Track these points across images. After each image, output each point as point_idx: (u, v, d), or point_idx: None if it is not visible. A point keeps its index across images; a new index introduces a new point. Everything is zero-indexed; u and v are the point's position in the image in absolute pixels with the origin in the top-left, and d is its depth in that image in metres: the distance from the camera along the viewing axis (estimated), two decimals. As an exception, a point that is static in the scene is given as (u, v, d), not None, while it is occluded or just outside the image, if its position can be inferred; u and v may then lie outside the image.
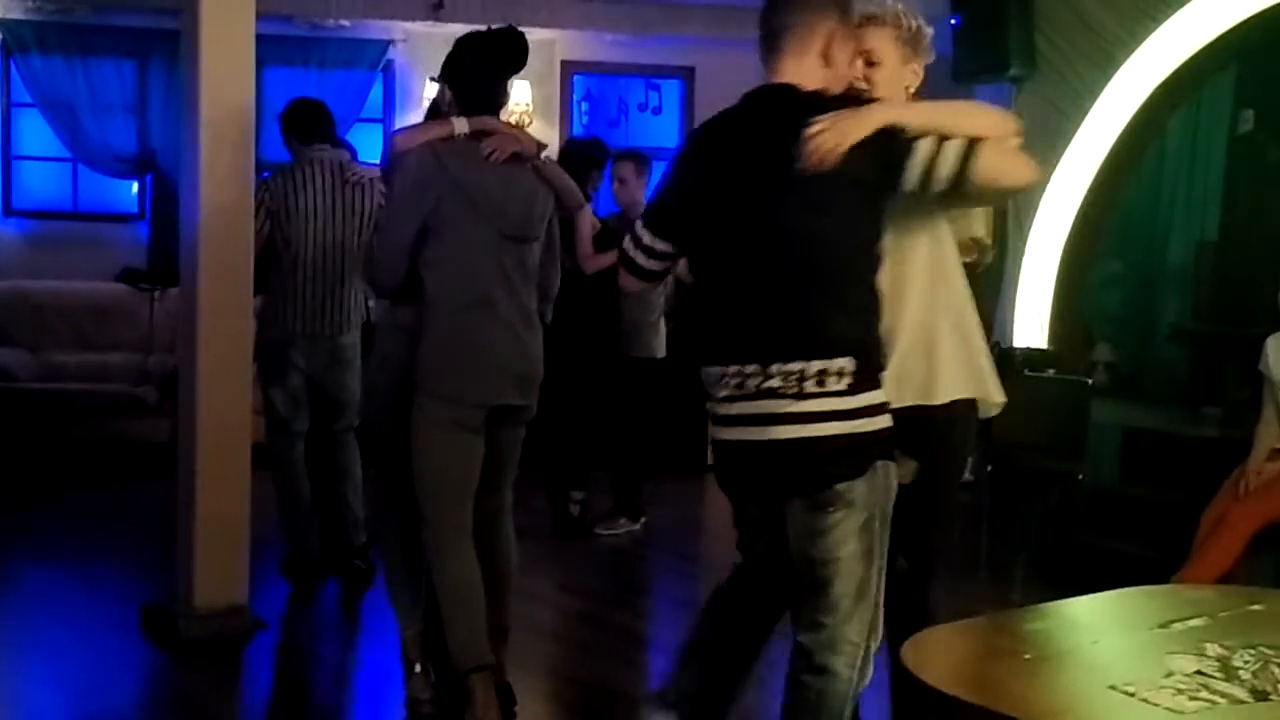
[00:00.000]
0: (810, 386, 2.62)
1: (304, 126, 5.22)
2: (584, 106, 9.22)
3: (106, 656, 4.42)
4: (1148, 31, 6.52)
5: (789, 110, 2.68)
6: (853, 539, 2.67)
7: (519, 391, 3.67)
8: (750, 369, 2.68)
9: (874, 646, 2.75)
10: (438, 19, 8.29)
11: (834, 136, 2.59)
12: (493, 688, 3.65)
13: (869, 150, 2.60)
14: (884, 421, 2.69)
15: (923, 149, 2.60)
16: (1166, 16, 6.44)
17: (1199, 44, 6.46)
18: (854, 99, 2.77)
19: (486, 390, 3.60)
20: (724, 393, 2.73)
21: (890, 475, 2.71)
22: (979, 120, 2.71)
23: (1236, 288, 6.47)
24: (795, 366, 2.63)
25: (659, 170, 8.27)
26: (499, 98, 3.75)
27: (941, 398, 2.94)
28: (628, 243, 2.95)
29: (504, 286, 3.61)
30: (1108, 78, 6.70)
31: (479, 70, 3.69)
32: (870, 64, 2.98)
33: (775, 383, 2.65)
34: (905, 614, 2.90)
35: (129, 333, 7.97)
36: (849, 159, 2.59)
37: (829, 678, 2.69)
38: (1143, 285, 7.63)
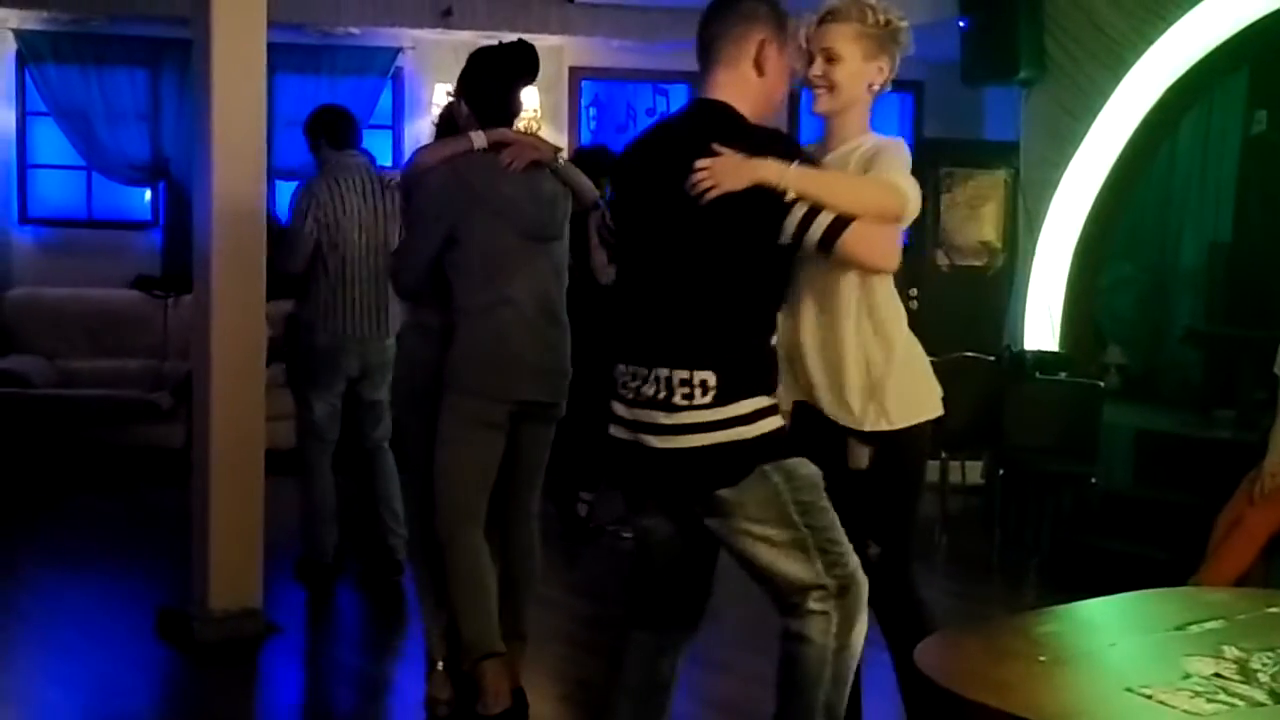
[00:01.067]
0: (678, 399, 2.71)
1: (334, 132, 5.24)
2: (592, 112, 9.24)
3: (122, 659, 4.43)
4: (1158, 32, 6.51)
5: (703, 133, 2.72)
6: (768, 533, 2.74)
7: (544, 388, 3.77)
8: (636, 370, 2.77)
9: (857, 620, 2.77)
10: (447, 26, 8.32)
11: (712, 178, 2.64)
12: (504, 675, 3.72)
13: (743, 201, 2.65)
14: (767, 425, 2.73)
15: (795, 215, 2.66)
16: (1177, 17, 6.43)
17: (1210, 44, 6.44)
18: (771, 136, 2.77)
19: (511, 387, 3.70)
20: (621, 394, 2.83)
21: (793, 469, 2.74)
22: (859, 199, 2.72)
23: (1250, 289, 6.46)
24: (663, 372, 2.72)
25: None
26: (513, 108, 3.88)
27: (899, 423, 2.96)
28: (601, 226, 3.10)
29: (529, 287, 3.73)
30: (1118, 79, 6.69)
31: (493, 83, 3.82)
32: (830, 60, 2.94)
33: (650, 389, 2.74)
34: (889, 600, 2.98)
35: (143, 339, 8.00)
36: (724, 203, 2.64)
37: (801, 643, 2.76)
38: (1155, 287, 7.61)
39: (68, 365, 7.84)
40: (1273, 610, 2.70)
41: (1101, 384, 6.21)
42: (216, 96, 4.43)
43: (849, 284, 2.92)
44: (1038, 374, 6.41)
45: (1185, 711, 2.05)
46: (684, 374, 2.71)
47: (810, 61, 2.96)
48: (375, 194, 5.14)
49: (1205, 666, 2.23)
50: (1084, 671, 2.41)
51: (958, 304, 7.00)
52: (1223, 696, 2.10)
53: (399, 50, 8.69)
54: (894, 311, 2.99)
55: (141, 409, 7.46)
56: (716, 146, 2.65)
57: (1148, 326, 7.56)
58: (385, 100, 8.72)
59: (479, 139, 3.73)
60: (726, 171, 2.64)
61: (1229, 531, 4.71)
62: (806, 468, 2.77)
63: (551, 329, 3.79)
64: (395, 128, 8.80)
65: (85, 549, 5.90)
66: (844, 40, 2.95)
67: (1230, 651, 2.30)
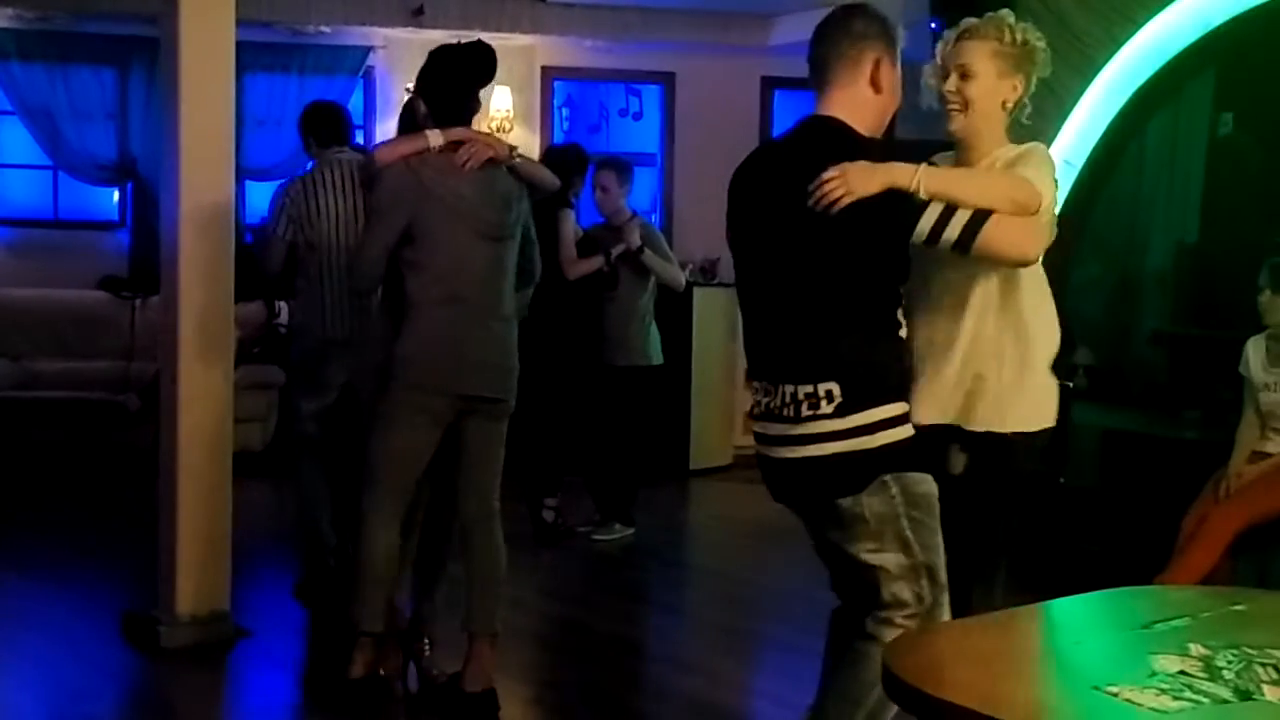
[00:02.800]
0: (804, 410, 2.75)
1: (321, 128, 5.15)
2: (564, 112, 9.22)
3: (88, 664, 4.39)
4: (1127, 35, 6.55)
5: (818, 146, 2.76)
6: (883, 547, 2.79)
7: (489, 383, 3.87)
8: (766, 387, 2.85)
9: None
10: (418, 25, 8.29)
11: (842, 187, 2.66)
12: (374, 655, 3.95)
13: (874, 207, 2.67)
14: (890, 436, 2.77)
15: (929, 217, 2.69)
16: (1145, 20, 6.47)
17: (1179, 47, 6.49)
18: (886, 146, 2.83)
19: (455, 381, 3.81)
20: (753, 410, 2.91)
21: (912, 485, 2.79)
22: (992, 193, 2.75)
23: (1216, 290, 6.50)
24: (789, 387, 2.77)
25: (640, 177, 8.31)
26: (472, 107, 3.96)
27: (1009, 427, 2.96)
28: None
29: (480, 284, 3.83)
30: (1088, 81, 6.73)
31: (452, 83, 3.91)
32: (964, 77, 2.95)
33: (777, 403, 2.80)
34: (963, 607, 2.97)
35: (110, 340, 7.94)
36: (853, 211, 2.66)
37: (873, 643, 2.80)
38: (1122, 288, 7.65)
39: (33, 367, 7.77)
40: (1238, 608, 2.71)
41: (1070, 384, 6.22)
42: (184, 95, 4.40)
43: (989, 281, 2.91)
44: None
45: (1152, 709, 2.05)
46: (808, 388, 2.75)
47: (945, 77, 2.98)
48: (356, 191, 4.94)
49: (1171, 664, 2.23)
50: (1051, 670, 2.42)
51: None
52: (1188, 694, 2.11)
53: (370, 49, 8.65)
54: (1039, 314, 3.01)
55: (108, 411, 7.40)
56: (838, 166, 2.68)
57: (1115, 327, 7.60)
58: (357, 99, 8.68)
59: (436, 138, 3.81)
60: (858, 178, 2.67)
61: (1195, 530, 4.75)
62: (925, 485, 2.81)
63: (498, 325, 3.89)
64: (366, 127, 8.76)
65: (50, 553, 5.84)
66: (980, 57, 2.96)
67: (1196, 649, 2.30)
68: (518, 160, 3.97)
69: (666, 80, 9.16)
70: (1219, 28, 6.30)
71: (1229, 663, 2.24)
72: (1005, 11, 3.04)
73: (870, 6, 2.92)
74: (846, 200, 2.66)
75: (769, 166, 2.90)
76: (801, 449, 2.78)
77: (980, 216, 2.69)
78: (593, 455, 6.38)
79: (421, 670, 4.19)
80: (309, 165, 5.26)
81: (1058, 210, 2.96)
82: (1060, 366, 7.21)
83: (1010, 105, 3.00)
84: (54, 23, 8.11)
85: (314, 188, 4.96)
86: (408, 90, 4.24)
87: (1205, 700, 2.10)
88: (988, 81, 2.96)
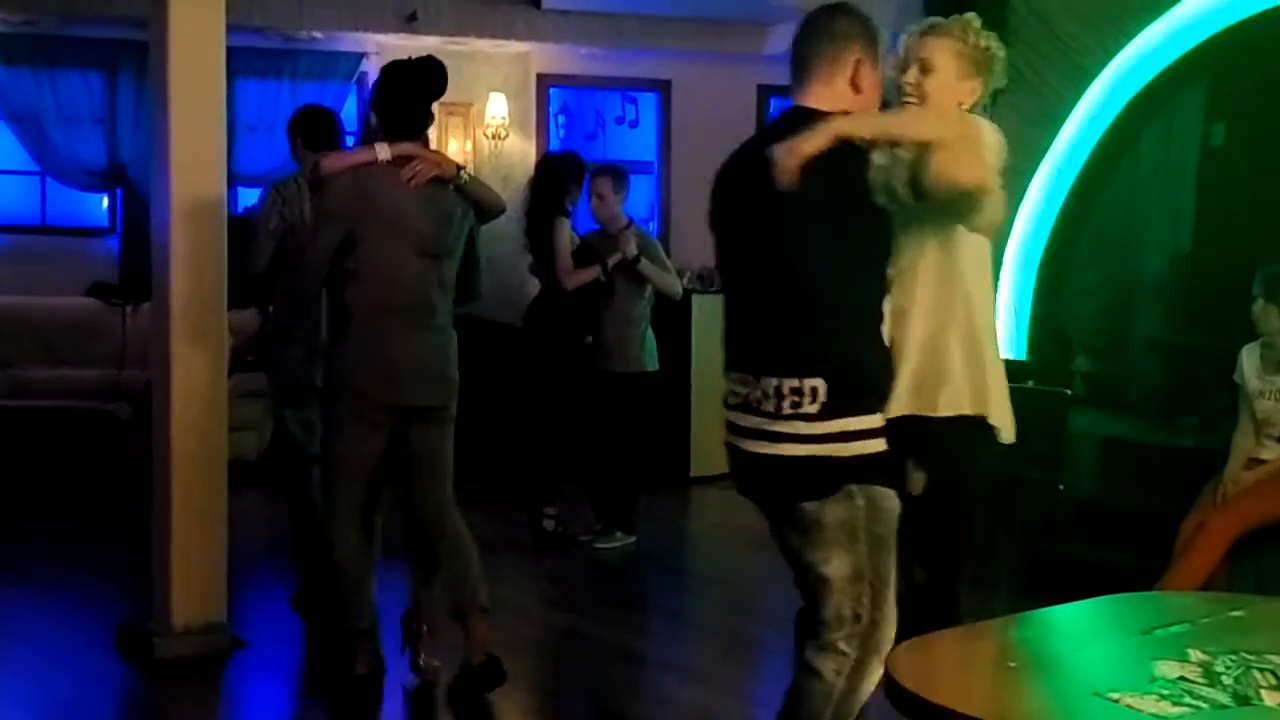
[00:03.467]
0: (786, 407, 2.72)
1: (311, 133, 5.05)
2: (560, 120, 9.22)
3: (82, 676, 4.36)
4: (1119, 45, 6.56)
5: (787, 130, 2.74)
6: (834, 557, 2.75)
7: (428, 392, 3.98)
8: (746, 378, 2.81)
9: (872, 665, 2.76)
10: (411, 31, 8.27)
11: (791, 151, 2.65)
12: (366, 649, 4.12)
13: (827, 165, 2.65)
14: (865, 447, 2.74)
15: (876, 161, 2.67)
16: (1138, 30, 6.49)
17: (1171, 58, 6.51)
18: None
19: (393, 391, 3.93)
20: (729, 400, 2.87)
21: (878, 499, 2.76)
22: (927, 122, 2.74)
23: (1210, 299, 6.51)
24: (773, 381, 2.74)
25: (637, 184, 8.30)
26: (423, 122, 4.07)
27: (942, 410, 2.90)
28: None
29: (418, 297, 3.94)
30: (1080, 91, 6.74)
31: (402, 97, 4.02)
32: (925, 71, 2.95)
33: (758, 395, 2.76)
34: (931, 626, 2.88)
35: (101, 348, 7.91)
36: (810, 176, 2.64)
37: (813, 677, 2.78)
38: (1118, 297, 7.66)
39: (22, 375, 7.73)
40: (1237, 614, 2.72)
41: (1069, 392, 6.23)
42: (174, 101, 4.38)
43: (935, 272, 2.88)
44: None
45: (1152, 715, 2.05)
46: (794, 382, 2.72)
47: (906, 70, 2.97)
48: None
49: (1171, 670, 2.23)
50: (1052, 676, 2.42)
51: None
52: (1188, 699, 2.11)
53: (363, 55, 8.64)
54: (986, 308, 2.97)
55: (100, 420, 7.37)
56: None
57: (1113, 335, 7.61)
58: (350, 106, 8.68)
59: (383, 151, 3.91)
60: (802, 140, 2.65)
61: (1194, 536, 4.75)
62: (890, 501, 2.78)
63: (432, 336, 3.98)
64: (359, 134, 8.75)
65: (42, 564, 5.80)
66: (942, 53, 2.96)
67: (1196, 655, 2.30)
68: (464, 180, 4.05)
69: (663, 88, 9.16)
70: (1211, 38, 6.32)
71: (1228, 668, 2.25)
72: (971, 15, 3.03)
73: (853, 7, 2.91)
74: (794, 164, 2.63)
75: (752, 158, 2.87)
76: (775, 446, 2.75)
77: (922, 151, 2.65)
78: (592, 463, 6.36)
79: (416, 661, 4.31)
80: (295, 169, 5.24)
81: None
82: (1059, 374, 7.24)
83: (965, 108, 2.98)
84: (41, 26, 8.07)
85: (308, 191, 4.88)
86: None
87: (1205, 705, 2.10)
88: (947, 78, 2.96)
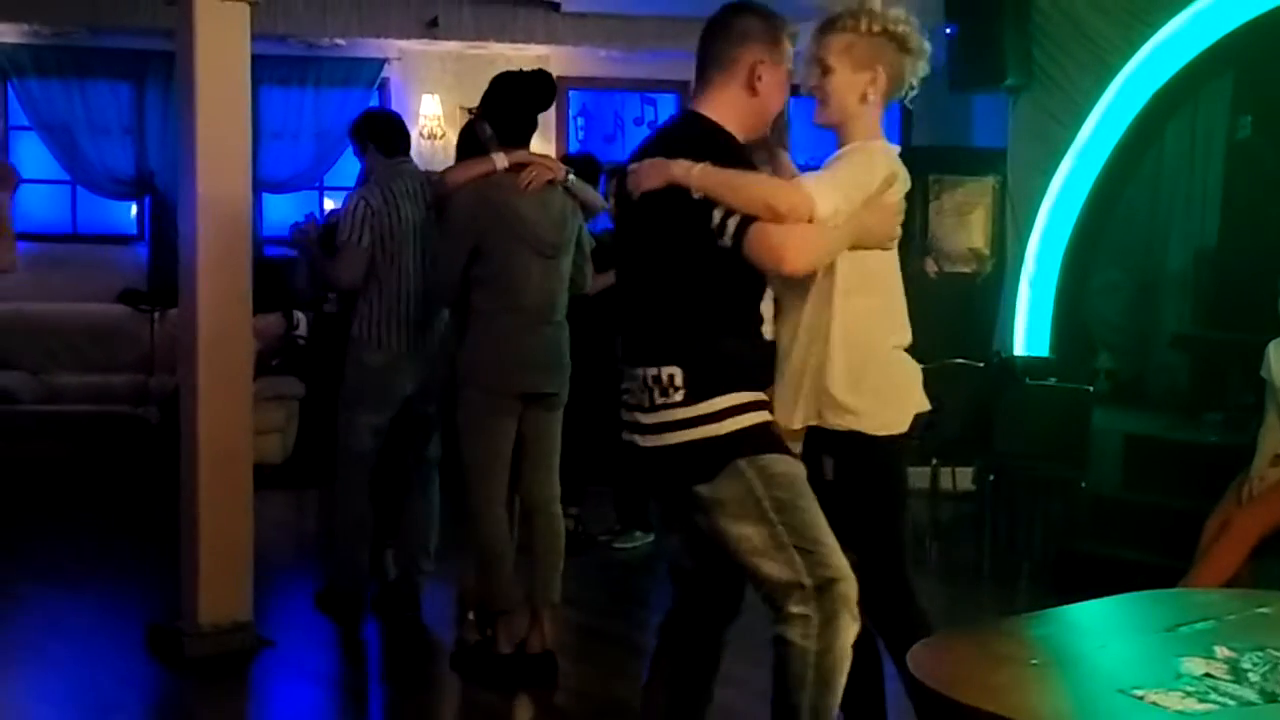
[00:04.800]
0: (656, 397, 2.77)
1: (387, 138, 5.02)
2: (579, 122, 9.25)
3: (112, 675, 4.41)
4: (1144, 39, 6.54)
5: (675, 140, 2.83)
6: (745, 531, 2.76)
7: (547, 380, 4.25)
8: (628, 372, 2.88)
9: (842, 620, 2.76)
10: (433, 37, 8.32)
11: (634, 178, 2.79)
12: (512, 628, 4.30)
13: (664, 200, 2.74)
14: (742, 421, 2.77)
15: (715, 215, 2.72)
16: (1162, 23, 6.46)
17: (1196, 50, 6.47)
18: (710, 142, 2.79)
19: (519, 380, 4.18)
20: (621, 396, 2.92)
21: (769, 465, 2.76)
22: (750, 197, 2.72)
23: (1236, 293, 6.47)
24: (638, 371, 2.82)
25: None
26: (531, 130, 4.29)
27: (832, 424, 2.88)
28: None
29: (538, 295, 4.20)
30: (1104, 85, 6.72)
31: (515, 107, 4.24)
32: (823, 73, 2.92)
33: (635, 387, 2.83)
34: (885, 611, 2.94)
35: (130, 354, 7.98)
36: (650, 202, 2.76)
37: (786, 646, 2.79)
38: (1143, 292, 7.63)
39: (54, 381, 7.81)
40: (1262, 611, 2.71)
41: (1091, 389, 6.21)
42: (201, 109, 4.42)
43: (839, 287, 2.86)
44: (1027, 380, 6.42)
45: (1178, 712, 2.05)
46: (654, 371, 2.78)
47: (810, 72, 2.95)
48: (426, 203, 4.84)
49: (1196, 667, 2.23)
50: (1076, 674, 2.41)
51: (947, 311, 7.00)
52: (1214, 696, 2.11)
53: (385, 61, 8.69)
54: (873, 315, 2.92)
55: (129, 424, 7.43)
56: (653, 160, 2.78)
57: (1136, 331, 7.57)
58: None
59: (501, 160, 4.14)
60: (647, 172, 2.77)
61: (1218, 534, 4.72)
62: (784, 465, 2.78)
63: (551, 329, 4.26)
64: (462, 144, 8.76)
65: (74, 565, 5.86)
66: (834, 52, 2.91)
67: (1221, 652, 2.30)
68: (570, 181, 4.30)
69: (681, 89, 9.16)
70: (1236, 30, 6.28)
71: (1254, 665, 2.24)
72: (869, 0, 2.97)
73: (758, 5, 2.89)
74: (637, 191, 2.77)
75: (636, 159, 2.93)
76: (654, 438, 2.79)
77: (748, 219, 2.69)
78: (619, 463, 6.37)
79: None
80: (360, 173, 5.17)
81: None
82: (1082, 371, 7.22)
83: (872, 98, 2.92)
84: (70, 38, 8.17)
85: (395, 199, 4.82)
86: (469, 112, 4.50)
87: (1231, 702, 2.09)
88: (842, 76, 2.90)
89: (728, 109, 2.86)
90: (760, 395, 2.82)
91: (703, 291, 2.79)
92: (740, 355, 2.82)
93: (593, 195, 4.51)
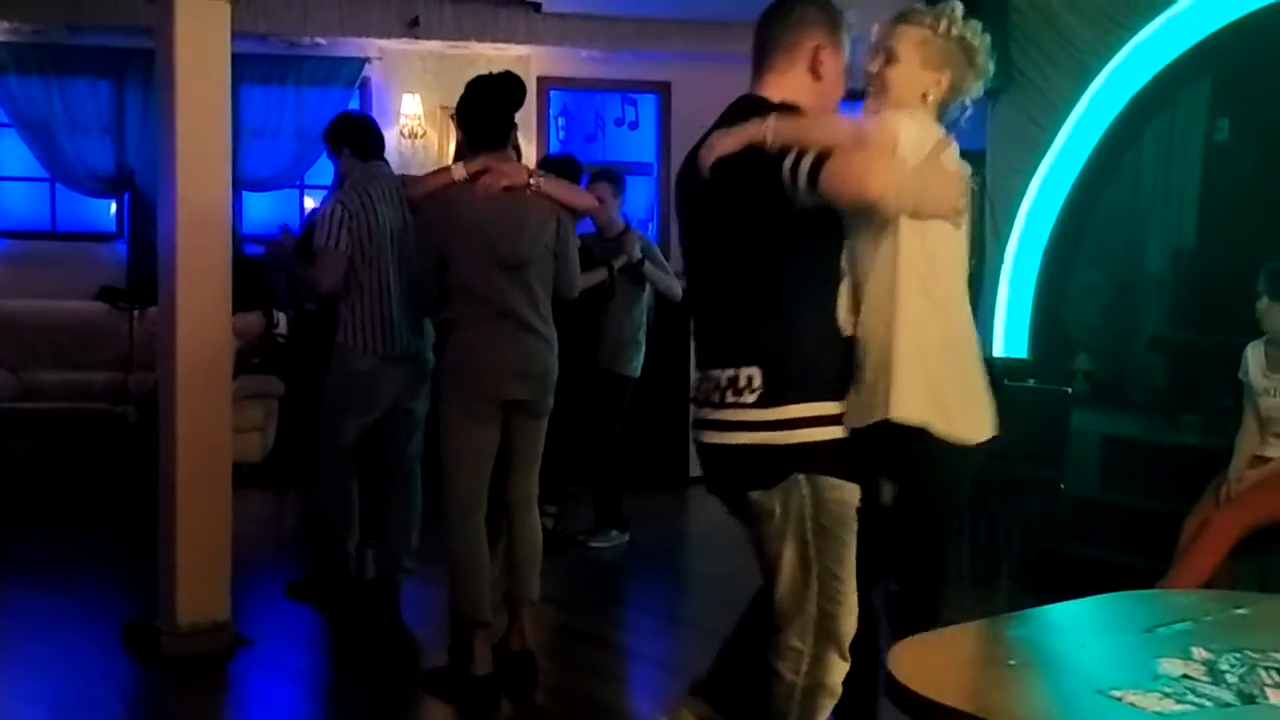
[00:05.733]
0: (728, 396, 2.73)
1: (362, 141, 5.04)
2: (560, 122, 9.24)
3: (89, 674, 4.39)
4: (1122, 42, 6.57)
5: (729, 120, 2.76)
6: (784, 546, 2.75)
7: (525, 388, 4.17)
8: (702, 373, 2.84)
9: (830, 658, 2.76)
10: (414, 36, 8.30)
11: (705, 153, 2.70)
12: (489, 645, 4.20)
13: (739, 165, 2.67)
14: (811, 435, 2.70)
15: (785, 164, 2.63)
16: (1140, 27, 6.49)
17: (1174, 53, 6.50)
18: (769, 106, 2.74)
19: (492, 388, 4.13)
20: (692, 393, 2.90)
21: (824, 489, 2.72)
22: (830, 130, 2.67)
23: (1214, 295, 6.50)
24: (715, 372, 2.77)
25: (636, 186, 8.31)
26: (505, 133, 4.23)
27: (895, 414, 2.71)
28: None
29: (509, 303, 4.11)
30: (1083, 88, 6.75)
31: (485, 111, 4.21)
32: (888, 61, 2.87)
33: (708, 387, 2.79)
34: (909, 627, 2.81)
35: (108, 351, 7.94)
36: (726, 174, 2.67)
37: (772, 678, 2.79)
38: (1121, 293, 7.66)
39: (32, 378, 7.77)
40: (1240, 612, 2.72)
41: (1069, 390, 6.23)
42: (181, 107, 4.40)
43: (908, 268, 2.73)
44: (1006, 381, 6.43)
45: (1155, 713, 2.05)
46: (730, 372, 2.73)
47: (874, 59, 2.91)
48: (402, 205, 4.86)
49: (1174, 668, 2.23)
50: (1054, 674, 2.41)
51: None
52: (1191, 697, 2.11)
53: (366, 60, 8.66)
54: (928, 307, 2.76)
55: (107, 422, 7.39)
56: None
57: (1114, 333, 7.61)
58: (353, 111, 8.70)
59: (459, 170, 4.10)
60: (721, 140, 2.70)
61: (1196, 535, 4.75)
62: (840, 491, 2.72)
63: (531, 336, 4.15)
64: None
65: (51, 563, 5.83)
66: (905, 42, 2.86)
67: (1199, 653, 2.30)
68: (537, 184, 4.15)
69: (662, 90, 9.17)
70: (1215, 33, 6.31)
71: (1232, 666, 2.24)
72: (953, 4, 2.91)
73: None
74: (710, 159, 2.68)
75: (694, 152, 2.86)
76: (720, 435, 2.76)
77: (825, 155, 2.60)
78: (599, 462, 6.37)
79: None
80: (335, 176, 5.18)
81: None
82: (1060, 372, 7.23)
83: (933, 99, 2.87)
84: (50, 36, 8.12)
85: (372, 202, 4.85)
86: (450, 112, 4.47)
87: (1208, 704, 2.10)
88: (908, 69, 2.85)
89: (791, 91, 2.80)
90: (834, 408, 2.71)
91: (781, 276, 2.69)
92: (821, 360, 2.72)
93: (575, 194, 4.42)
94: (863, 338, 2.75)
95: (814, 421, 2.70)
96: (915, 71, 2.86)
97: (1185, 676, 2.20)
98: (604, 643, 5.01)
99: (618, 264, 6.06)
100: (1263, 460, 4.79)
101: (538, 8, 8.33)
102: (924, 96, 2.86)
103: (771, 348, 2.71)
